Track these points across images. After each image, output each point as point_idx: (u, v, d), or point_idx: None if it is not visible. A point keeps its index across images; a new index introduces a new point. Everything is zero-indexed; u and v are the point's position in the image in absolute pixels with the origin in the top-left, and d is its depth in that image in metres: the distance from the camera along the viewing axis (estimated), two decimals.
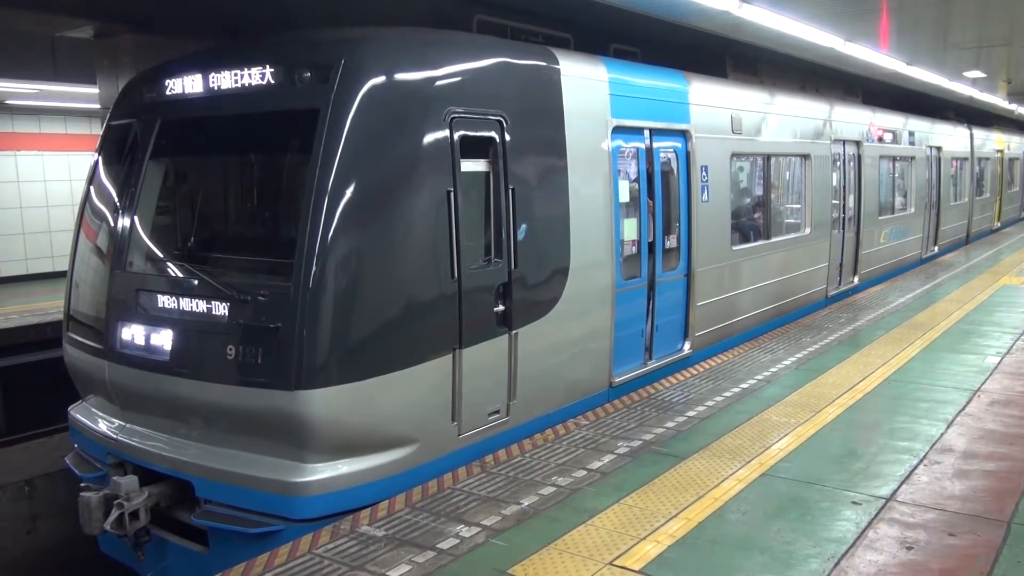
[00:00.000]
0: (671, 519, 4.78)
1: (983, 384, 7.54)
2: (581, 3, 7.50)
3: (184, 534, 5.57)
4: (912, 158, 15.75)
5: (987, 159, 22.36)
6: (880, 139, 13.82)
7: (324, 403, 4.98)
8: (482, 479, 5.43)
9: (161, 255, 5.98)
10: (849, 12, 8.90)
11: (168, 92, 5.93)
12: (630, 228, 7.54)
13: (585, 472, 5.51)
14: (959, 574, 4.14)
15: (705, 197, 8.50)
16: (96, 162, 6.56)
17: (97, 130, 9.23)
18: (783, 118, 10.55)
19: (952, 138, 18.70)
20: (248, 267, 5.68)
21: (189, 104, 5.83)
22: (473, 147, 5.75)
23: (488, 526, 4.72)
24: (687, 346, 8.42)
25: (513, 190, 5.98)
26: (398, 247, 5.31)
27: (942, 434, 6.20)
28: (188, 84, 5.80)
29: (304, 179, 5.14)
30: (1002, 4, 9.67)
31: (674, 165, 8.18)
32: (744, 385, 7.59)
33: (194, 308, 5.41)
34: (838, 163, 12.16)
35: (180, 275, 5.75)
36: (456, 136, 5.56)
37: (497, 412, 6.05)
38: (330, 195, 5.01)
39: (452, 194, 5.47)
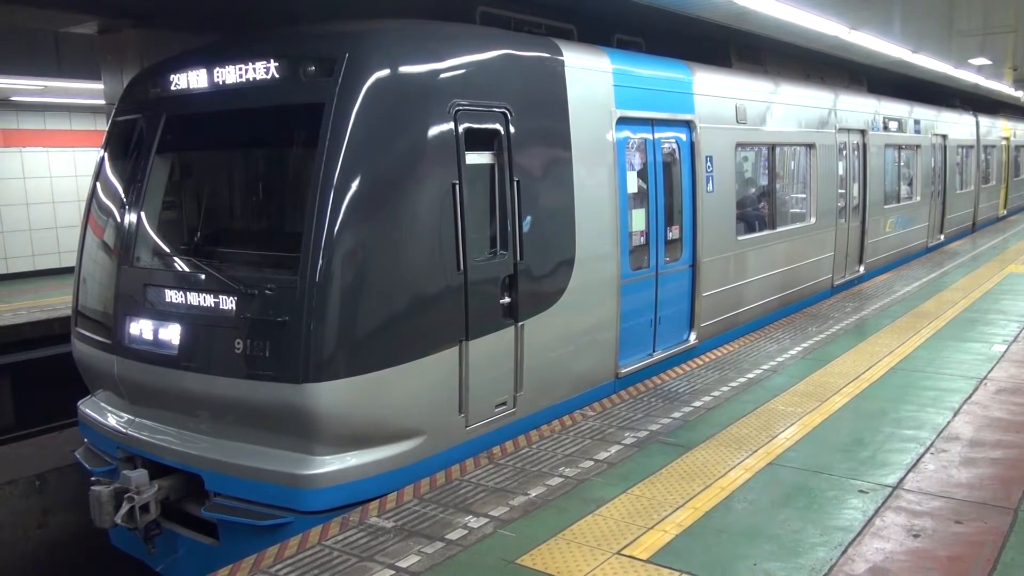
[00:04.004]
0: (678, 509, 4.80)
1: (989, 372, 7.53)
2: None
3: (194, 527, 5.61)
4: (917, 146, 15.68)
5: (993, 147, 22.27)
6: (885, 127, 13.78)
7: (332, 396, 5.00)
8: (490, 470, 5.45)
9: (168, 250, 6.00)
10: None
11: (173, 87, 5.95)
12: (635, 219, 7.54)
13: (592, 463, 5.53)
14: (966, 561, 4.15)
15: (710, 187, 8.49)
16: (102, 158, 6.58)
17: (102, 126, 9.27)
18: (788, 107, 10.52)
19: (958, 126, 18.61)
20: (255, 261, 5.70)
21: (194, 99, 5.84)
22: (478, 139, 5.75)
23: (496, 517, 4.74)
24: (693, 336, 8.42)
25: (518, 182, 5.99)
26: (404, 240, 5.32)
27: (948, 422, 6.20)
28: (193, 79, 5.81)
29: (309, 173, 5.16)
30: None
31: (678, 155, 8.17)
32: (750, 375, 7.60)
33: (201, 302, 5.44)
34: (843, 152, 12.12)
35: (187, 270, 5.77)
36: (461, 128, 5.56)
37: (504, 403, 6.07)
38: (336, 189, 5.03)
39: (457, 187, 5.48)
